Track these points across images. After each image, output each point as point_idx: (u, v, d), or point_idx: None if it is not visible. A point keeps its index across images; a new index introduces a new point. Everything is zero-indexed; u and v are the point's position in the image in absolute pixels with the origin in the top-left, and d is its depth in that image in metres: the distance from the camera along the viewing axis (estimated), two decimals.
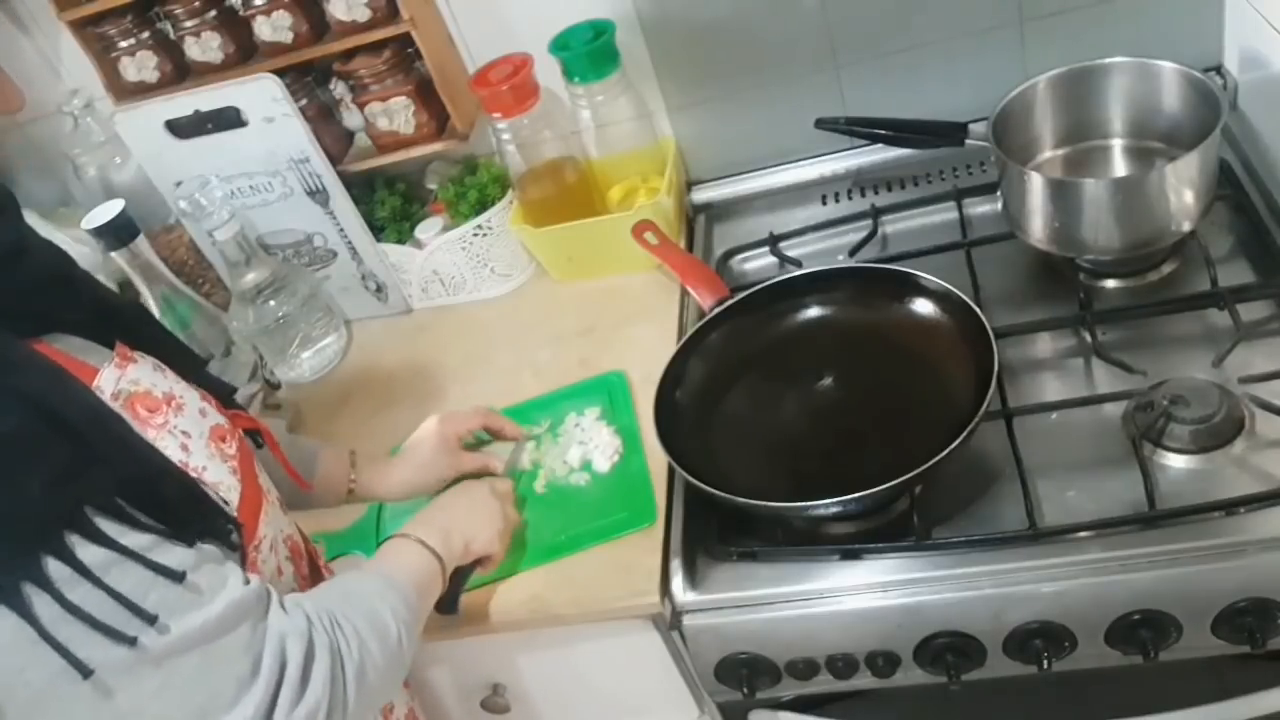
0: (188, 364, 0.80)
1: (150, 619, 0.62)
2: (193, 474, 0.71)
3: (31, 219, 1.38)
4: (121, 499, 0.63)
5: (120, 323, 0.76)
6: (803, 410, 1.07)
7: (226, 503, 0.74)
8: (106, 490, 0.62)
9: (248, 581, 0.70)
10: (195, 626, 0.64)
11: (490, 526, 0.98)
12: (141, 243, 1.13)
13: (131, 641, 0.61)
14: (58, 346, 0.70)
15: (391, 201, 1.42)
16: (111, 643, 0.61)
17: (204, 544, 0.68)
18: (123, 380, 0.72)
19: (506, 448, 1.15)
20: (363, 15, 1.25)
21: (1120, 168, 1.17)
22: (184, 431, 0.73)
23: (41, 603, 0.59)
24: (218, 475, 0.73)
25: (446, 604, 0.96)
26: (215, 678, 0.65)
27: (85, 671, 0.60)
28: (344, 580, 0.84)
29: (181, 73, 1.35)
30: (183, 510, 0.67)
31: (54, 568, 0.59)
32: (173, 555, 0.65)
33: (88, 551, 0.60)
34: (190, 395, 0.77)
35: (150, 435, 0.71)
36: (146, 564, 0.63)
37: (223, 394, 0.83)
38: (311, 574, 0.90)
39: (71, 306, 0.73)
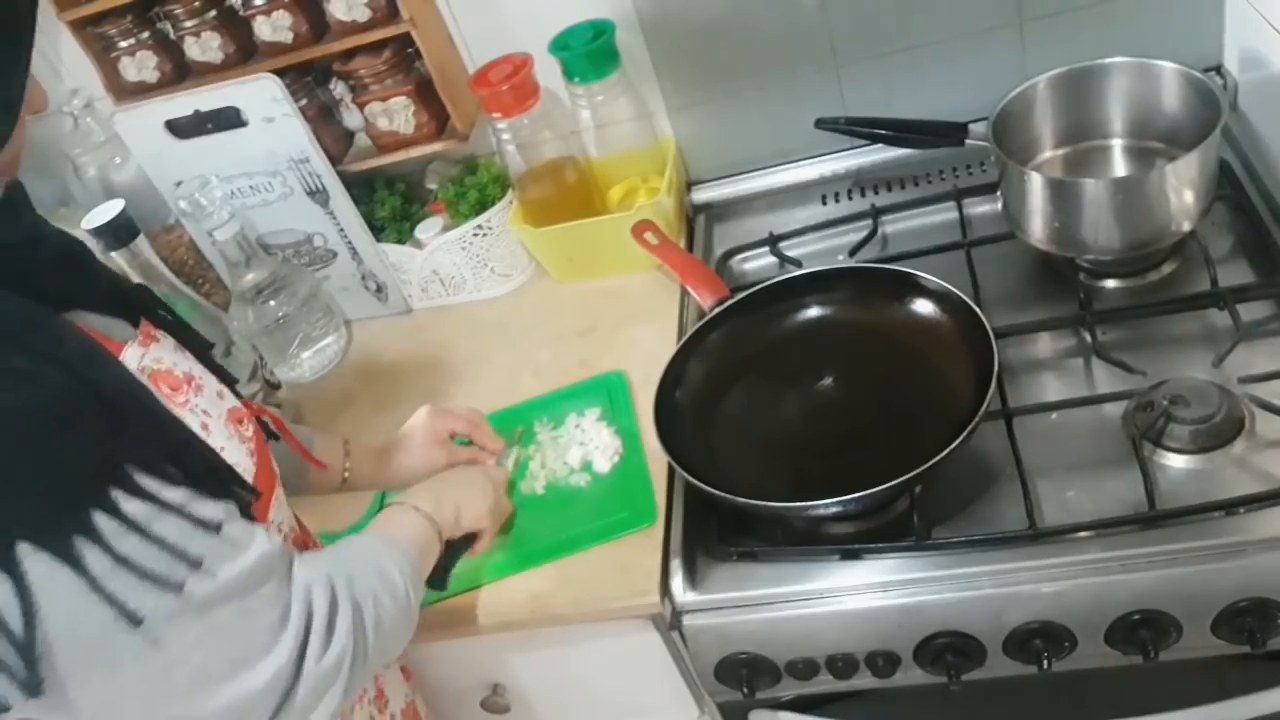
0: (197, 347, 0.82)
1: (196, 563, 0.64)
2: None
3: None
4: (157, 458, 0.65)
5: (138, 304, 0.78)
6: (803, 410, 1.07)
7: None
8: (143, 450, 0.64)
9: (271, 538, 0.72)
10: (233, 576, 0.67)
11: (481, 501, 0.99)
12: (141, 243, 1.13)
13: (178, 588, 0.63)
14: (81, 323, 0.71)
15: (391, 201, 1.42)
16: (159, 591, 0.63)
17: (229, 503, 0.70)
18: (146, 358, 0.73)
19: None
20: (363, 15, 1.25)
21: (1120, 168, 1.17)
22: (204, 411, 0.75)
23: (92, 555, 0.61)
24: (235, 456, 0.75)
25: (437, 578, 0.96)
26: (250, 627, 0.68)
27: (136, 620, 0.62)
28: (349, 543, 0.86)
29: (181, 73, 1.35)
30: (207, 477, 0.69)
31: (102, 521, 0.61)
32: (206, 508, 0.67)
33: (131, 505, 0.62)
34: (208, 377, 0.79)
35: (174, 411, 0.72)
36: (185, 516, 0.65)
37: (228, 383, 0.84)
38: None
39: (90, 287, 0.74)
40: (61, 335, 0.65)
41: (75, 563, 0.60)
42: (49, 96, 0.75)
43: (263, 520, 0.77)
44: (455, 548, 0.98)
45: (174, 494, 0.65)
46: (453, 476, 1.03)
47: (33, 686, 0.60)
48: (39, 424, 0.60)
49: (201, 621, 0.65)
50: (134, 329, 0.75)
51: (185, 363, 0.77)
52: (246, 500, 0.72)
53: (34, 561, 0.59)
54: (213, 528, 0.66)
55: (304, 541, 0.92)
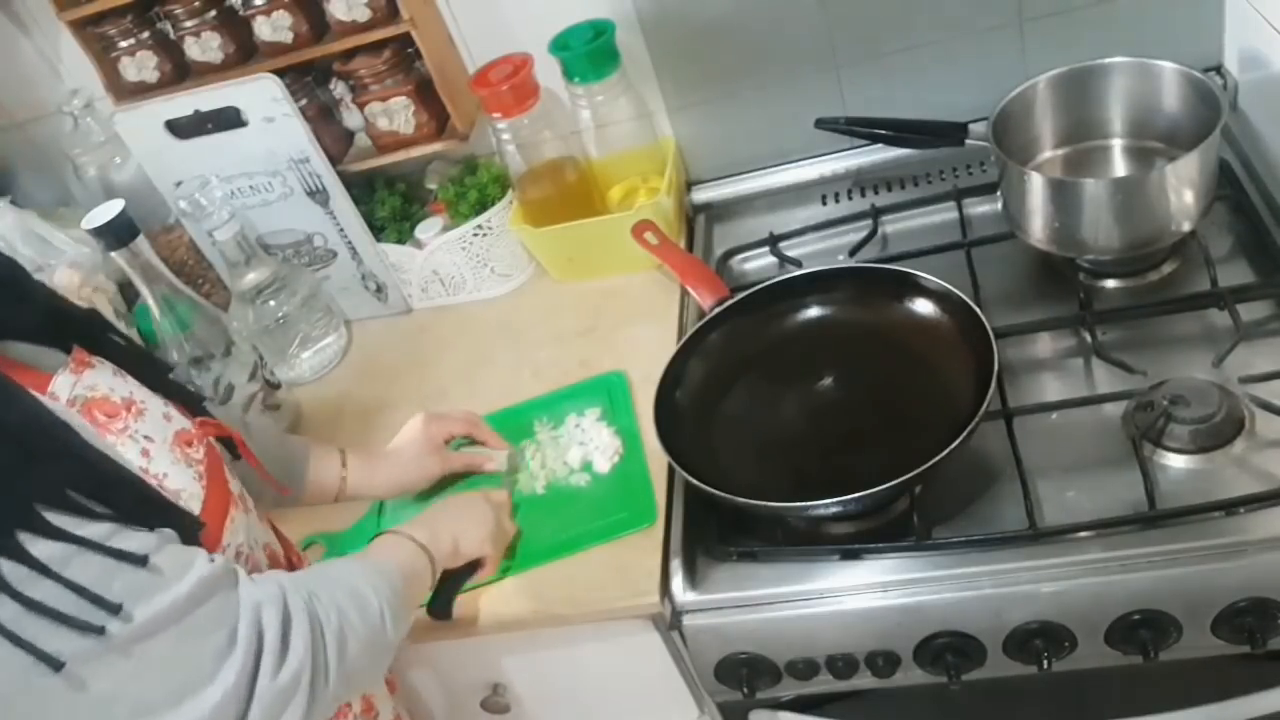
0: (152, 372, 0.80)
1: (114, 608, 0.62)
2: (153, 480, 0.71)
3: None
4: (75, 491, 0.63)
5: (77, 329, 0.76)
6: (803, 410, 1.07)
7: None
8: (58, 483, 0.62)
9: (212, 559, 0.70)
10: (164, 607, 0.64)
11: (480, 529, 0.98)
12: (141, 243, 1.13)
13: (99, 631, 0.61)
14: (10, 355, 0.69)
15: (391, 201, 1.42)
16: (79, 634, 0.60)
17: (164, 529, 0.68)
18: (79, 386, 0.71)
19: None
20: (363, 15, 1.25)
21: (1120, 168, 1.17)
22: (146, 436, 0.73)
23: (0, 603, 0.58)
24: (180, 481, 0.73)
25: (440, 607, 0.96)
26: (192, 654, 0.66)
27: (56, 665, 0.60)
28: (319, 565, 0.85)
29: (181, 73, 1.35)
30: (138, 509, 0.67)
31: (8, 568, 0.59)
32: (133, 540, 0.64)
33: (43, 547, 0.60)
34: (153, 400, 0.76)
35: (109, 440, 0.70)
36: (107, 551, 0.62)
37: (191, 402, 0.82)
38: None
39: (21, 312, 0.72)
40: None
41: None
42: None
43: (214, 546, 0.75)
44: (459, 576, 0.97)
45: (94, 529, 0.62)
46: (451, 505, 1.02)
47: None
48: None
49: (133, 656, 0.63)
50: (66, 355, 0.73)
51: (125, 387, 0.75)
52: (189, 529, 0.71)
53: None
54: (139, 560, 0.64)
55: (286, 556, 0.91)
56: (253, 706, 0.67)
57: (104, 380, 0.73)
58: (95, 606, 0.61)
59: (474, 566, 0.99)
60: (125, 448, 0.71)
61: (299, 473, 1.01)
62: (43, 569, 0.60)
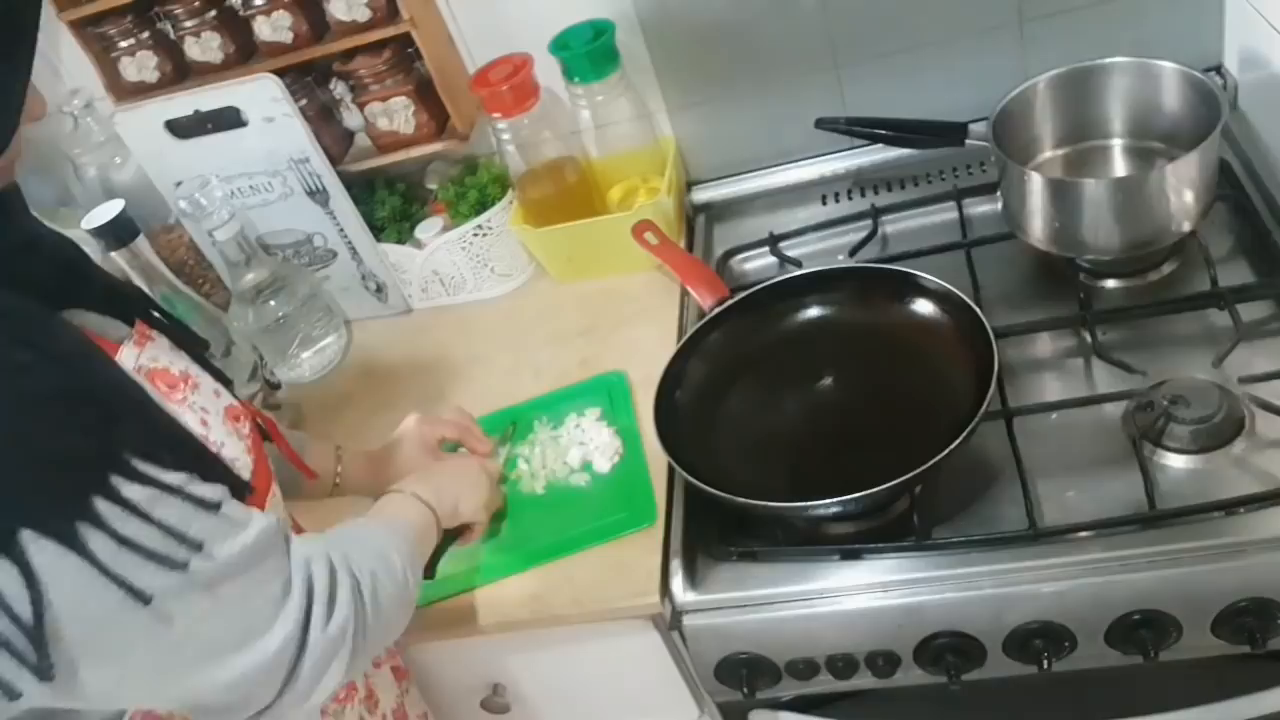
0: (192, 347, 0.83)
1: (197, 545, 0.66)
2: (212, 447, 0.74)
3: None
4: (152, 446, 0.66)
5: (134, 305, 0.78)
6: (803, 410, 1.07)
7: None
8: (138, 438, 0.65)
9: (267, 515, 0.73)
10: (235, 552, 0.68)
11: (478, 493, 1.01)
12: (141, 243, 1.13)
13: (184, 566, 0.65)
14: (79, 322, 0.72)
15: (391, 201, 1.42)
16: (166, 570, 0.64)
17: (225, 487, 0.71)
18: (142, 356, 0.74)
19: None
20: (363, 15, 1.25)
21: (1120, 168, 1.17)
22: (203, 408, 0.76)
23: (96, 540, 0.61)
24: (234, 452, 0.76)
25: (425, 570, 0.96)
26: (255, 600, 0.70)
27: (145, 599, 0.63)
28: (346, 526, 0.87)
29: (181, 73, 1.35)
30: (200, 467, 0.70)
31: (104, 507, 0.62)
32: (205, 489, 0.68)
33: (131, 490, 0.63)
34: (205, 376, 0.79)
35: (171, 409, 0.73)
36: (185, 497, 0.66)
37: (224, 383, 0.84)
38: None
39: (87, 286, 0.75)
40: (56, 332, 0.66)
41: (80, 548, 0.61)
42: (47, 103, 0.75)
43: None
44: (446, 538, 0.99)
45: (172, 477, 0.66)
46: (450, 467, 1.05)
47: (44, 671, 0.61)
48: (37, 415, 0.61)
49: (208, 596, 0.66)
50: (129, 328, 0.76)
51: (181, 362, 0.78)
52: (240, 493, 0.73)
53: (38, 549, 0.59)
54: (212, 507, 0.67)
55: None
56: (305, 655, 0.71)
57: (164, 354, 0.77)
58: (179, 544, 0.65)
59: (460, 530, 1.00)
60: (186, 417, 0.74)
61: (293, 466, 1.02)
62: (133, 508, 0.63)
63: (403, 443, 1.09)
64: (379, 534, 0.86)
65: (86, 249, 0.78)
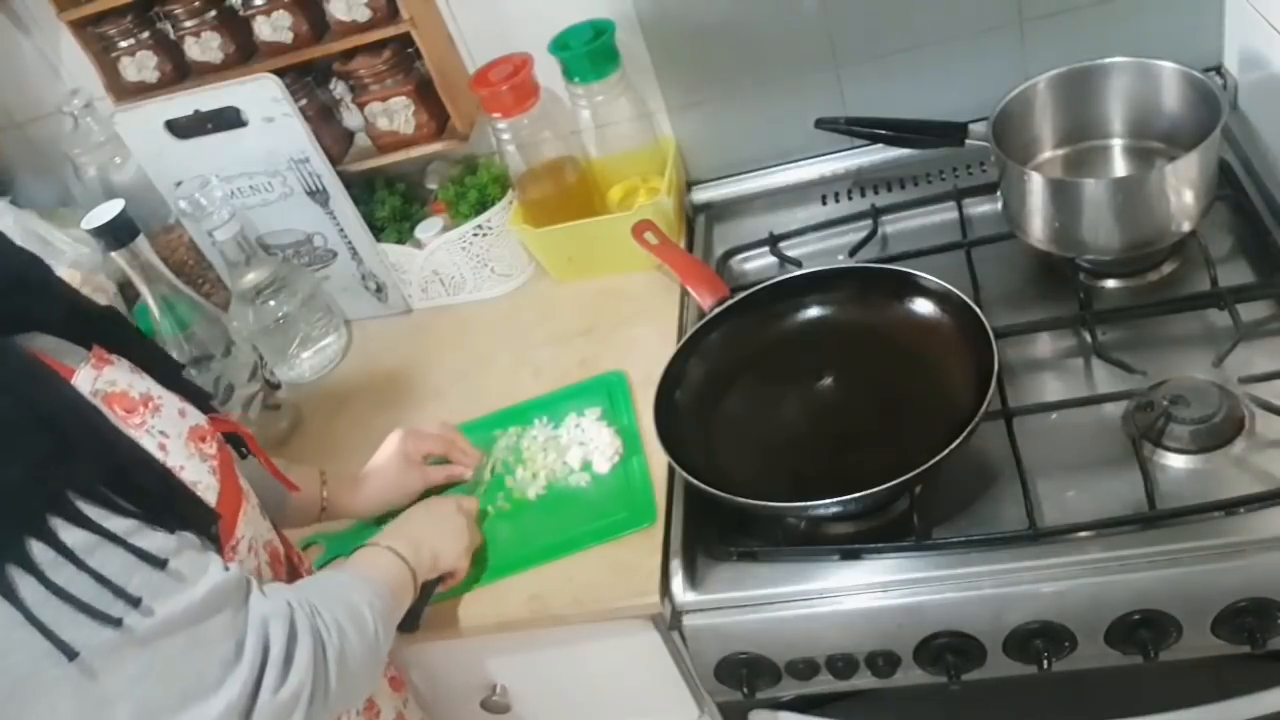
0: (165, 369, 0.81)
1: (134, 600, 0.63)
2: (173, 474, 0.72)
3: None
4: (104, 485, 0.64)
5: (95, 327, 0.76)
6: (803, 410, 1.07)
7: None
8: (89, 476, 0.63)
9: (227, 569, 0.70)
10: (179, 610, 0.65)
11: (457, 542, 0.99)
12: (141, 243, 1.13)
13: (116, 623, 0.62)
14: (32, 346, 0.70)
15: (391, 201, 1.42)
16: (97, 624, 0.61)
17: (184, 532, 0.69)
18: (99, 381, 0.72)
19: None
20: (363, 15, 1.25)
21: (1120, 168, 1.17)
22: (161, 432, 0.73)
23: (26, 585, 0.59)
24: (196, 475, 0.74)
25: (408, 621, 0.94)
26: (199, 660, 0.66)
27: (70, 654, 0.60)
28: (319, 578, 0.85)
29: (181, 73, 1.35)
30: (161, 500, 0.68)
31: (38, 550, 0.60)
32: (154, 540, 0.65)
33: (71, 534, 0.61)
34: (169, 396, 0.77)
35: (128, 433, 0.71)
36: (128, 548, 0.63)
37: (200, 401, 0.83)
38: (291, 580, 0.89)
39: (44, 309, 0.73)
40: (3, 358, 0.64)
41: (8, 592, 0.58)
42: None
43: (228, 538, 0.76)
44: (427, 587, 0.97)
45: (119, 523, 0.63)
46: (428, 516, 1.01)
47: None
48: None
49: (144, 654, 0.63)
50: (87, 352, 0.74)
51: (142, 384, 0.76)
52: (206, 521, 0.71)
53: None
54: (158, 562, 0.65)
55: (286, 554, 0.91)
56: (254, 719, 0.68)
57: (122, 377, 0.74)
58: (115, 597, 0.62)
59: (442, 577, 0.98)
60: (144, 442, 0.71)
61: (280, 491, 1.00)
62: (69, 554, 0.60)
63: (387, 462, 1.08)
64: (353, 587, 0.82)
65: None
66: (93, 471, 0.63)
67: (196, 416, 0.78)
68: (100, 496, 0.63)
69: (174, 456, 0.73)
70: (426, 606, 0.97)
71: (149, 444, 0.71)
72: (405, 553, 0.91)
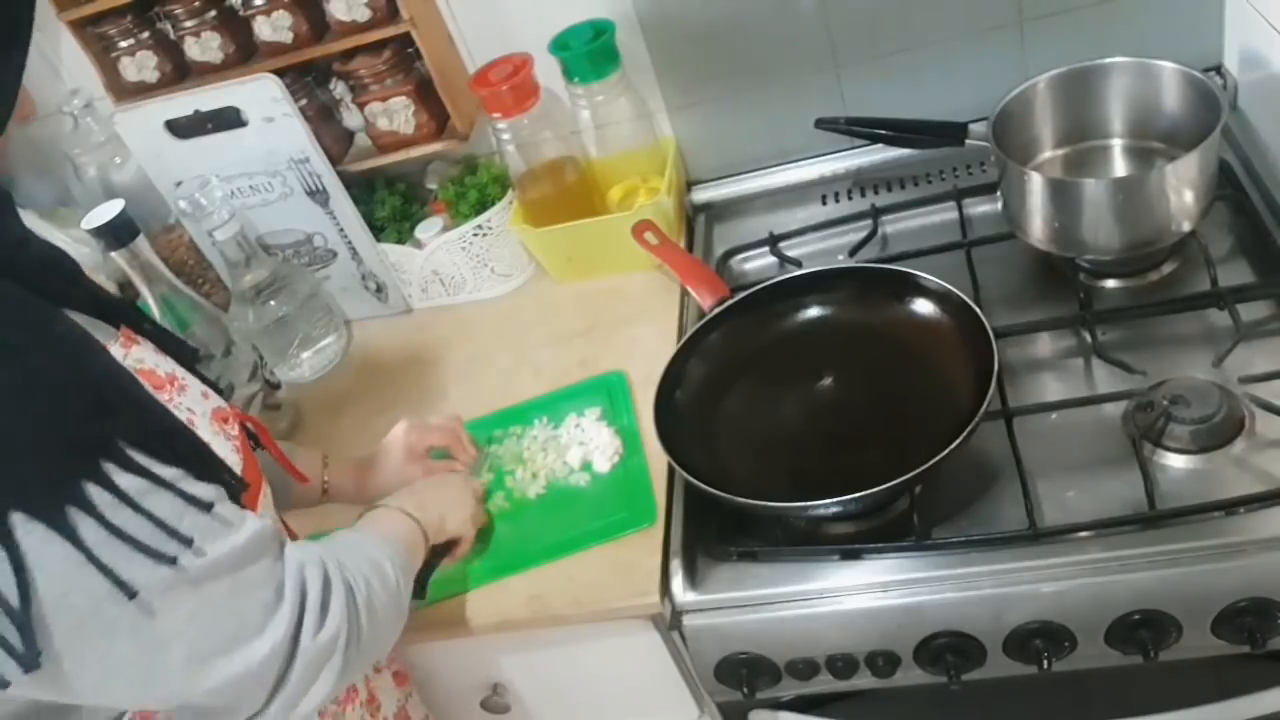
0: (182, 357, 0.82)
1: (187, 541, 0.65)
2: None
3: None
4: (147, 438, 0.66)
5: (120, 314, 0.78)
6: (803, 410, 1.07)
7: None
8: (133, 429, 0.65)
9: (262, 518, 0.72)
10: (225, 552, 0.67)
11: (463, 508, 1.01)
12: (141, 243, 1.13)
13: (172, 561, 0.64)
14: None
15: (391, 201, 1.42)
16: (153, 563, 0.63)
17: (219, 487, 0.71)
18: (128, 358, 0.74)
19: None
20: (363, 15, 1.25)
21: (1120, 168, 1.17)
22: (189, 409, 0.75)
23: (86, 526, 0.61)
24: (221, 452, 0.75)
25: (416, 587, 0.95)
26: (244, 604, 0.69)
27: (130, 592, 0.62)
28: (337, 536, 0.86)
29: (181, 73, 1.35)
30: (196, 461, 0.69)
31: (95, 493, 0.61)
32: (198, 488, 0.67)
33: (124, 479, 0.63)
34: (192, 379, 0.79)
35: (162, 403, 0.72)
36: (178, 493, 0.66)
37: (215, 391, 0.84)
38: None
39: (74, 291, 0.75)
40: (50, 320, 0.66)
41: (69, 533, 0.60)
42: (36, 105, 0.75)
43: (253, 510, 0.77)
44: (434, 555, 0.97)
45: (166, 471, 0.65)
46: (435, 482, 1.04)
47: (30, 661, 0.60)
48: (31, 396, 0.60)
49: (196, 595, 0.65)
50: (115, 331, 0.75)
51: (167, 365, 0.78)
52: (235, 489, 0.73)
53: (27, 532, 0.59)
54: (204, 506, 0.67)
55: None
56: (295, 663, 0.70)
57: (149, 356, 0.76)
58: (169, 538, 0.64)
59: (448, 547, 0.99)
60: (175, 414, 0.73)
61: (286, 476, 1.01)
62: (124, 497, 0.62)
63: (390, 450, 1.09)
64: (372, 543, 0.85)
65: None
66: (137, 426, 0.65)
67: (218, 400, 0.81)
68: (147, 446, 0.65)
69: (201, 432, 0.74)
70: (432, 574, 0.98)
71: (179, 417, 0.73)
72: (414, 511, 0.93)
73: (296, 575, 0.72)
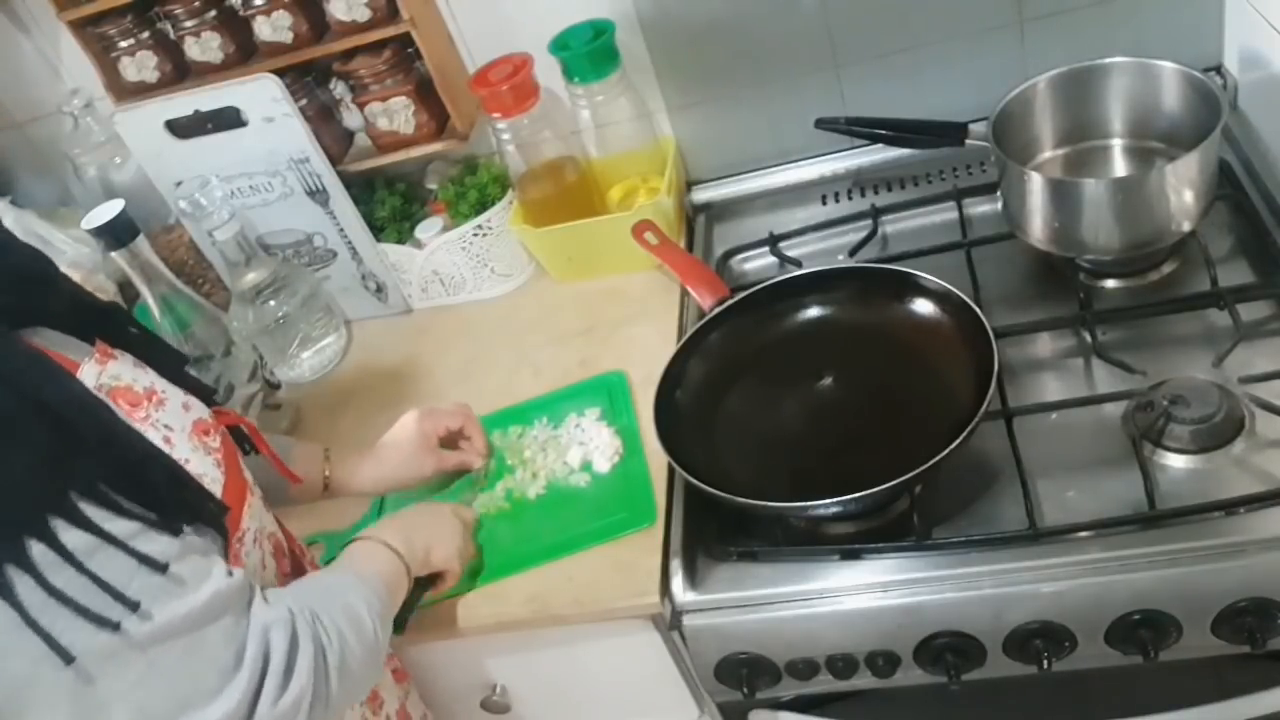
0: (169, 363, 0.81)
1: (133, 605, 0.62)
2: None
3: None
4: (108, 484, 0.63)
5: (99, 322, 0.76)
6: (803, 410, 1.07)
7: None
8: (91, 476, 0.62)
9: (230, 574, 0.70)
10: (179, 615, 0.64)
11: (451, 541, 0.97)
12: (141, 243, 1.13)
13: (115, 627, 0.61)
14: (36, 340, 0.70)
15: (391, 201, 1.42)
16: (95, 628, 0.61)
17: (189, 533, 0.68)
18: (103, 375, 0.72)
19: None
20: (363, 15, 1.25)
21: (1120, 168, 1.17)
22: (166, 425, 0.73)
23: (25, 587, 0.59)
24: (201, 468, 0.74)
25: (396, 622, 0.93)
26: (198, 667, 0.66)
27: (67, 658, 0.60)
28: (318, 577, 0.84)
29: (181, 73, 1.35)
30: (169, 494, 0.67)
31: (38, 551, 0.59)
32: (156, 544, 0.65)
33: (71, 536, 0.60)
34: (172, 390, 0.77)
35: (135, 428, 0.70)
36: (129, 551, 0.63)
37: (203, 395, 0.83)
38: (294, 572, 0.90)
39: (49, 303, 0.73)
40: (8, 352, 0.64)
41: (8, 594, 0.58)
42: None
43: (234, 530, 0.76)
44: (418, 587, 0.95)
45: (122, 525, 0.63)
46: (423, 514, 1.00)
47: None
48: None
49: (143, 659, 0.63)
50: (90, 347, 0.73)
51: (146, 378, 0.76)
52: (216, 514, 0.71)
53: None
54: (158, 566, 0.64)
55: (289, 547, 0.91)
56: None
57: (126, 371, 0.74)
58: (114, 601, 0.61)
59: (432, 579, 0.97)
60: (149, 435, 0.71)
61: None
62: (69, 556, 0.60)
63: (400, 440, 1.07)
64: (350, 587, 0.81)
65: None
66: (96, 470, 0.63)
67: (200, 410, 0.79)
68: (103, 497, 0.62)
69: (179, 449, 0.73)
70: (413, 611, 0.96)
71: (154, 437, 0.71)
72: (399, 546, 0.90)
73: (260, 637, 0.69)
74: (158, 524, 0.65)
